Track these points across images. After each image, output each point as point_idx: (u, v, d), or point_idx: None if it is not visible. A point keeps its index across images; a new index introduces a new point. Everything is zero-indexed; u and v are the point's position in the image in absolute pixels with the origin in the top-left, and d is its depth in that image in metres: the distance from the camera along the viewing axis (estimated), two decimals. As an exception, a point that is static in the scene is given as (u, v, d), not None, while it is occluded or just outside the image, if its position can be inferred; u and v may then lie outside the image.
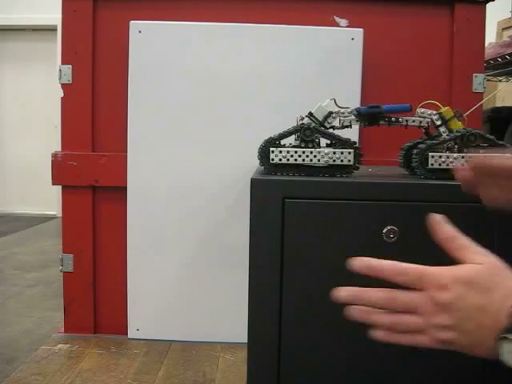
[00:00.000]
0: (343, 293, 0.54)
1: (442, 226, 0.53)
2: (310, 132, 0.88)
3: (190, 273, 1.49)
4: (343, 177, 0.86)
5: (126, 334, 1.51)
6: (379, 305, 0.52)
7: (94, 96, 1.49)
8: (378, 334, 0.53)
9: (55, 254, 2.68)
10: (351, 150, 0.87)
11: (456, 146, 0.88)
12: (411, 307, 0.50)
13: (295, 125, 0.90)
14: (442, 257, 0.75)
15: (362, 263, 0.54)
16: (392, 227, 0.80)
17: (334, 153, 0.87)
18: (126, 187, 1.47)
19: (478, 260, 0.50)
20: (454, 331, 0.48)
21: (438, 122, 0.91)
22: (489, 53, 2.04)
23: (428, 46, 1.48)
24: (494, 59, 2.06)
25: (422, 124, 0.93)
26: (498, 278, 0.49)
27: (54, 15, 3.25)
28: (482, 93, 1.48)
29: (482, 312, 0.48)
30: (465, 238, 0.52)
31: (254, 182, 0.82)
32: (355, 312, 0.54)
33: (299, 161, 0.87)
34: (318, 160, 0.87)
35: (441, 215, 0.54)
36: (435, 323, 0.49)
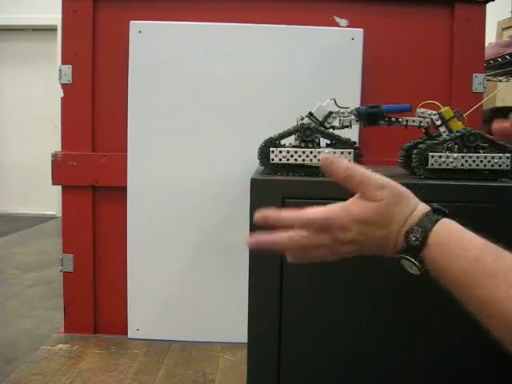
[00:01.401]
0: (253, 241, 0.58)
1: (337, 166, 0.57)
2: (309, 132, 0.88)
3: (189, 273, 1.49)
4: (343, 177, 0.86)
5: (126, 333, 1.51)
6: (291, 248, 0.58)
7: (94, 96, 1.49)
8: (289, 259, 0.60)
9: (55, 254, 2.68)
10: (351, 150, 0.87)
11: (456, 146, 0.88)
12: (319, 246, 0.56)
13: (295, 125, 0.90)
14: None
15: (265, 217, 0.57)
16: (392, 227, 0.80)
17: (334, 153, 0.87)
18: (126, 187, 1.47)
19: (377, 197, 0.55)
20: (358, 252, 0.57)
21: (438, 122, 0.91)
22: (489, 53, 2.04)
23: (428, 46, 1.48)
24: (494, 59, 2.06)
25: (422, 124, 0.93)
26: (395, 210, 0.54)
27: (54, 15, 3.25)
28: (481, 93, 1.48)
29: (383, 240, 0.55)
30: (360, 169, 0.56)
31: (253, 181, 0.82)
32: (263, 245, 0.58)
33: (299, 161, 0.87)
34: (318, 160, 0.87)
35: (331, 154, 0.57)
36: (341, 251, 0.57)
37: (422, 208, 0.55)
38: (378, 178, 0.56)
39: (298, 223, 0.56)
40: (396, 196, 0.55)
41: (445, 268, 0.51)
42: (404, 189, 0.56)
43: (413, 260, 0.53)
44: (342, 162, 0.57)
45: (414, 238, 0.53)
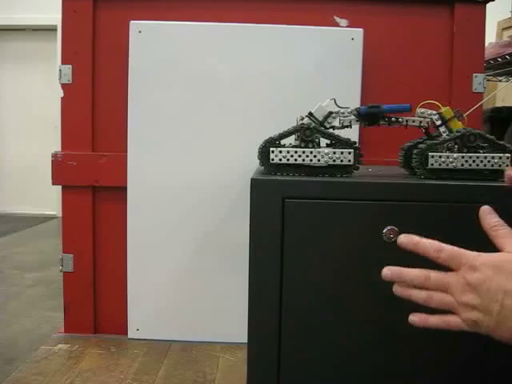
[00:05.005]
0: (388, 271, 0.59)
1: (489, 216, 0.58)
2: (310, 132, 0.88)
3: (189, 273, 1.49)
4: (343, 177, 0.86)
5: (126, 333, 1.51)
6: (416, 281, 0.57)
7: (94, 96, 1.49)
8: (414, 319, 0.58)
9: (55, 254, 2.68)
10: (351, 150, 0.87)
11: (456, 146, 0.88)
12: (443, 285, 0.55)
13: (295, 125, 0.90)
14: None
15: (407, 239, 0.59)
16: (392, 227, 0.80)
17: (334, 153, 0.87)
18: (126, 187, 1.47)
19: None
20: (480, 311, 0.52)
21: (438, 122, 0.91)
22: (489, 53, 2.04)
23: (428, 46, 1.48)
24: (494, 59, 2.06)
25: (422, 124, 0.93)
26: None
27: (54, 15, 3.25)
28: (482, 93, 1.48)
29: (508, 295, 0.51)
30: (507, 227, 0.56)
31: (253, 181, 0.82)
32: (397, 289, 0.60)
33: (299, 161, 0.87)
34: (318, 160, 0.87)
35: (488, 207, 0.58)
36: (464, 301, 0.53)
37: None
38: None
39: (430, 249, 0.56)
40: None
41: None
42: None
43: None
44: (494, 215, 0.58)
45: None
